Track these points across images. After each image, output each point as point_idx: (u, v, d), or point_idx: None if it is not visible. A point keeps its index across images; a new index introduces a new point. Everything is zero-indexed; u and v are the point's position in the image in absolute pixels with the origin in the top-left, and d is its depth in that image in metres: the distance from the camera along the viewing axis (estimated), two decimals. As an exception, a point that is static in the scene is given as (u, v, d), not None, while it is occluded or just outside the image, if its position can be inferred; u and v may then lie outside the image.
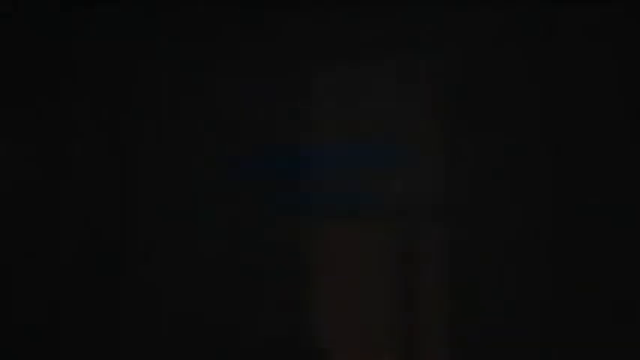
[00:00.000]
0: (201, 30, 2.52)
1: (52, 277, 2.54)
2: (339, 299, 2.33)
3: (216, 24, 2.51)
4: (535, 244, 2.15)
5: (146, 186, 2.52)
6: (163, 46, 2.56)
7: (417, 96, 2.33)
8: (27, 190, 2.55)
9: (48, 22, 2.60)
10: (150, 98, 2.56)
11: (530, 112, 2.20)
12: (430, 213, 2.27)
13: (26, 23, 2.60)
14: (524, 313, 2.13)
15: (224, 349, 2.39)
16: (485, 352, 2.15)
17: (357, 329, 2.29)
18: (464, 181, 2.24)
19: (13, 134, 2.58)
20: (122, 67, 2.59)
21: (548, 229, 2.14)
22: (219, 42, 2.51)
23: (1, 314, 2.51)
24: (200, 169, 2.48)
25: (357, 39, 2.38)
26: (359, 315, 2.30)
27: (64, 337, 2.52)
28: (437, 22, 2.31)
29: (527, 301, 2.13)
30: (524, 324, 2.13)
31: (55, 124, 2.59)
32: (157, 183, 2.51)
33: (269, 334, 2.35)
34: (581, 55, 2.16)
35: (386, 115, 2.35)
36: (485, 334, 2.16)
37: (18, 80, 2.60)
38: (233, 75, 2.49)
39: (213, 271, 2.43)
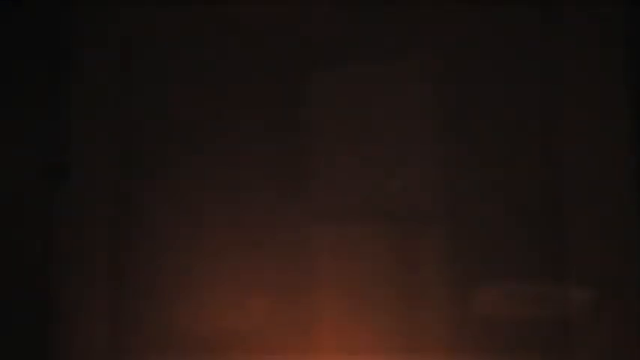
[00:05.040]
0: (201, 30, 2.52)
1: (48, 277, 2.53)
2: (338, 300, 2.32)
3: (216, 23, 2.51)
4: (534, 246, 2.15)
5: (148, 186, 2.52)
6: (160, 46, 2.56)
7: (416, 96, 2.33)
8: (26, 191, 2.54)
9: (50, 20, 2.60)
10: (147, 99, 2.56)
11: (530, 113, 2.19)
12: (429, 214, 2.27)
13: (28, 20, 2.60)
14: (525, 314, 2.13)
15: (222, 351, 2.38)
16: (485, 354, 2.15)
17: (357, 330, 2.29)
18: (464, 182, 2.24)
19: (12, 135, 2.57)
20: (121, 66, 2.59)
21: (547, 232, 2.14)
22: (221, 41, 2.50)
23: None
24: (201, 169, 2.47)
25: (356, 39, 2.38)
26: (358, 315, 2.29)
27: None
28: (437, 22, 2.30)
29: (528, 300, 2.13)
30: (525, 324, 2.13)
31: (55, 124, 2.58)
32: (159, 182, 2.51)
33: (267, 333, 2.35)
34: (581, 55, 2.15)
35: (385, 115, 2.35)
36: (485, 335, 2.16)
37: (18, 79, 2.59)
38: (234, 74, 2.48)
39: (212, 270, 2.42)
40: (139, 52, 2.60)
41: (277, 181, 2.41)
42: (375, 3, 2.37)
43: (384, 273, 2.28)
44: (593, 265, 2.07)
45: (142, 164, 2.54)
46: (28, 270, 2.48)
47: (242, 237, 2.41)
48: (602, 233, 2.07)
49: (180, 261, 2.45)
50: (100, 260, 2.47)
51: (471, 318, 2.18)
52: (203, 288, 2.42)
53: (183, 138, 2.51)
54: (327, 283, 2.34)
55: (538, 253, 2.15)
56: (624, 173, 2.09)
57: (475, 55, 2.27)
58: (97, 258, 2.47)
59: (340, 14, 2.40)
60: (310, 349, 2.31)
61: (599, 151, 2.11)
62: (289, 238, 2.37)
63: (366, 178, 2.33)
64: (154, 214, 2.50)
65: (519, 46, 2.22)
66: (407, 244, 2.28)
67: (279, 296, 2.36)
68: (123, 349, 2.44)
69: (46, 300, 2.46)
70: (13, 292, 2.48)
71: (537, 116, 2.19)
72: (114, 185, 2.53)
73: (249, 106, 2.46)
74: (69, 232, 2.50)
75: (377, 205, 2.32)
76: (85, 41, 2.59)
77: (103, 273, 2.47)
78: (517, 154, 2.20)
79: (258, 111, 2.45)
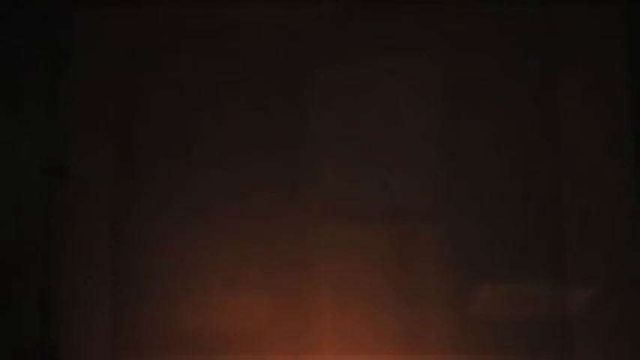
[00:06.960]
0: (201, 30, 2.53)
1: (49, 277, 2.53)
2: (338, 300, 2.33)
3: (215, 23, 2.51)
4: (534, 246, 2.15)
5: (148, 186, 2.52)
6: (160, 46, 2.56)
7: (416, 96, 2.33)
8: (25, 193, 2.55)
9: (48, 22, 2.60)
10: (149, 98, 2.56)
11: (530, 113, 2.20)
12: (429, 213, 2.27)
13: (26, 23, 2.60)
14: (526, 315, 2.13)
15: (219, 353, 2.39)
16: (485, 353, 2.15)
17: (357, 330, 2.29)
18: (464, 182, 2.24)
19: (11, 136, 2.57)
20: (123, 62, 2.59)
21: (549, 229, 2.14)
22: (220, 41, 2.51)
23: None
24: (201, 169, 2.48)
25: (356, 39, 2.39)
26: (358, 316, 2.30)
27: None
28: (436, 22, 2.31)
29: (528, 300, 2.13)
30: (525, 324, 2.13)
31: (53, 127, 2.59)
32: (159, 183, 2.51)
33: (267, 333, 2.35)
34: (581, 55, 2.16)
35: (385, 114, 2.35)
36: (485, 335, 2.16)
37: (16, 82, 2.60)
38: (234, 74, 2.49)
39: (213, 270, 2.42)
40: (139, 53, 2.61)
41: (277, 182, 2.41)
42: (374, 3, 2.37)
43: (384, 273, 2.28)
44: (593, 265, 2.07)
45: (142, 164, 2.54)
46: (28, 270, 2.49)
47: (242, 237, 2.41)
48: (602, 232, 2.07)
49: (180, 261, 2.45)
50: (100, 260, 2.47)
51: (471, 318, 2.19)
52: (203, 288, 2.42)
53: (183, 138, 2.51)
54: (327, 283, 2.34)
55: (538, 253, 2.15)
56: (624, 173, 2.09)
57: (474, 55, 2.27)
58: (97, 257, 2.47)
59: (340, 14, 2.40)
60: (310, 349, 2.31)
61: (599, 150, 2.11)
62: (289, 238, 2.37)
63: (367, 178, 2.34)
64: (154, 214, 2.50)
65: (519, 46, 2.23)
66: (407, 243, 2.28)
67: (279, 296, 2.36)
68: (123, 349, 2.44)
69: (46, 299, 2.46)
70: (14, 291, 2.48)
71: (537, 116, 2.19)
72: (114, 185, 2.53)
73: (249, 106, 2.47)
74: (69, 232, 2.50)
75: (378, 205, 2.32)
76: (85, 41, 2.59)
77: (103, 273, 2.47)
78: (517, 154, 2.20)
79: (259, 112, 2.45)
